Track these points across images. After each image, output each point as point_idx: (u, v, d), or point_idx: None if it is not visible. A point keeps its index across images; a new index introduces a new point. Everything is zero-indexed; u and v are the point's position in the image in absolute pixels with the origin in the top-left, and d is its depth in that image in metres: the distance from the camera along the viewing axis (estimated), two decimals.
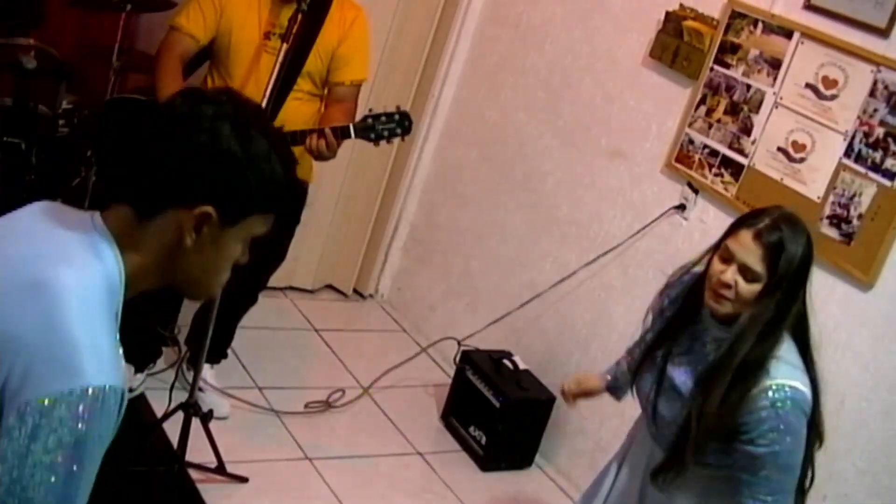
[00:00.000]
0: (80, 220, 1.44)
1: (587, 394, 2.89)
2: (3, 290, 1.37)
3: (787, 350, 2.24)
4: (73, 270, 1.37)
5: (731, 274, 2.20)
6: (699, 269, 2.39)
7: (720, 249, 2.27)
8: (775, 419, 2.18)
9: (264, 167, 1.41)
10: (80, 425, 1.30)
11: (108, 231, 1.42)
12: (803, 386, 2.22)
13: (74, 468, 1.31)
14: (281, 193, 1.44)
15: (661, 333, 2.44)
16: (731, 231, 2.26)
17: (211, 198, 1.39)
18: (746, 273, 2.19)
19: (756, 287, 2.19)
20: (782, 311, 2.21)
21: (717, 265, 2.25)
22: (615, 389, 2.84)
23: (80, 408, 1.30)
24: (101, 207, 1.47)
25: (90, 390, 1.30)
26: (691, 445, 2.26)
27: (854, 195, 3.17)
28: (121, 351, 1.39)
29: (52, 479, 1.29)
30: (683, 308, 2.40)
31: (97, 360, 1.33)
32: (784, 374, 2.20)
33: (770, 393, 2.18)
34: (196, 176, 1.38)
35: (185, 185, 1.39)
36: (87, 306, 1.35)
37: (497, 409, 3.91)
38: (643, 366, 2.46)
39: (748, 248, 2.19)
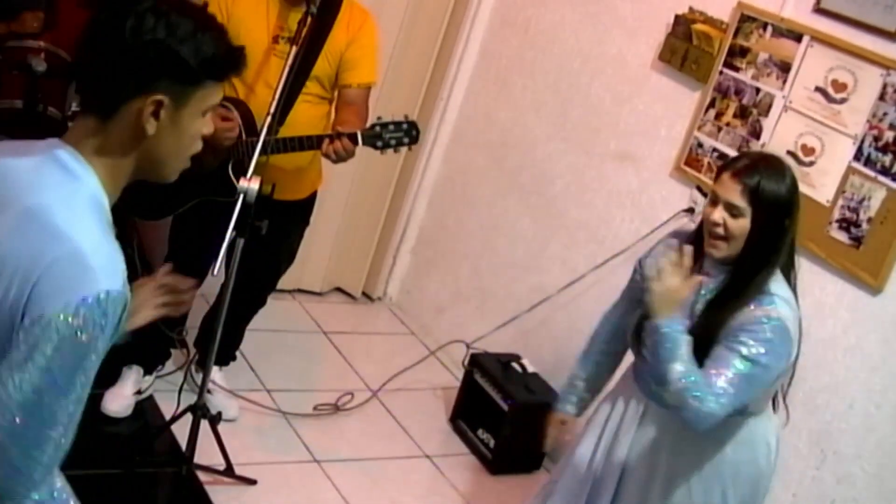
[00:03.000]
0: (41, 147, 1.58)
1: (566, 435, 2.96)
2: None
3: (780, 286, 2.41)
4: (49, 191, 1.51)
5: (718, 213, 2.41)
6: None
7: (709, 196, 2.48)
8: (763, 334, 2.32)
9: (194, 43, 1.55)
10: (81, 335, 1.42)
11: (70, 147, 1.57)
12: (793, 321, 2.38)
13: (70, 373, 1.43)
14: (218, 61, 1.58)
15: None
16: (716, 177, 2.47)
17: (157, 85, 1.54)
18: (731, 209, 2.39)
19: (743, 222, 2.38)
20: (772, 243, 2.39)
21: (707, 210, 2.46)
22: (582, 409, 2.93)
23: (85, 315, 1.42)
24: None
25: (101, 295, 1.43)
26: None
27: (863, 199, 3.16)
28: (121, 256, 1.51)
29: (45, 379, 1.41)
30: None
31: (103, 263, 1.46)
32: (781, 306, 2.36)
33: (766, 319, 2.34)
34: (135, 70, 1.53)
35: (129, 80, 1.54)
36: (75, 216, 1.49)
37: (505, 413, 3.90)
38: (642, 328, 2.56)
39: (729, 187, 2.39)
